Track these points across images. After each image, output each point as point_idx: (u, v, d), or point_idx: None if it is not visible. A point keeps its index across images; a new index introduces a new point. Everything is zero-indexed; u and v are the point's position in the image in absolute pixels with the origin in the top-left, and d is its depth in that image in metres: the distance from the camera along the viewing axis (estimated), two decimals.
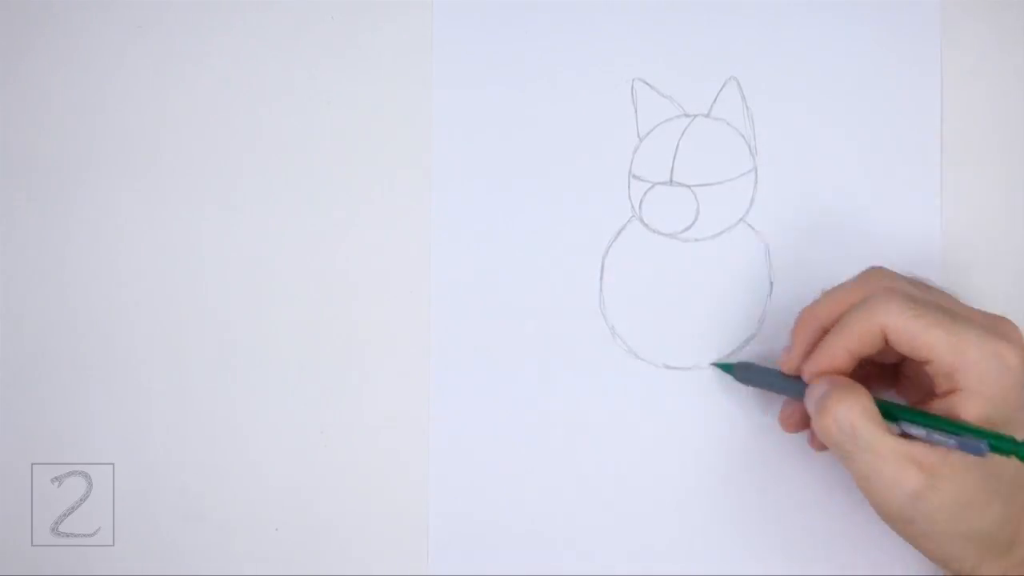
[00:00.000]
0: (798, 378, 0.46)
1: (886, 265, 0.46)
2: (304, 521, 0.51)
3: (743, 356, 0.51)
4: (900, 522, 0.43)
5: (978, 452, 0.40)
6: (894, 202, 0.51)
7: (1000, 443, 0.40)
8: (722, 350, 0.51)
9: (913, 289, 0.44)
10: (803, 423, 0.47)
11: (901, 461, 0.42)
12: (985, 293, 0.50)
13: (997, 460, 0.41)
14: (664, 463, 0.51)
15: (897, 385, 0.48)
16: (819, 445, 0.48)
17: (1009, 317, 0.44)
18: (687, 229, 0.51)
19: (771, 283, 0.51)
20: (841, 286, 0.46)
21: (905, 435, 0.43)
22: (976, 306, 0.45)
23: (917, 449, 0.42)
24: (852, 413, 0.42)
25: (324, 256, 0.51)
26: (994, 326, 0.43)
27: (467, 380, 0.51)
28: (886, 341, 0.43)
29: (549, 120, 0.51)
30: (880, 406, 0.43)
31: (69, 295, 0.52)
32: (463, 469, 0.51)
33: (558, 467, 0.51)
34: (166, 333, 0.51)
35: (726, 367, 0.50)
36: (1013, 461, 0.41)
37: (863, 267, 0.46)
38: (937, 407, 0.43)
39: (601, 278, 0.51)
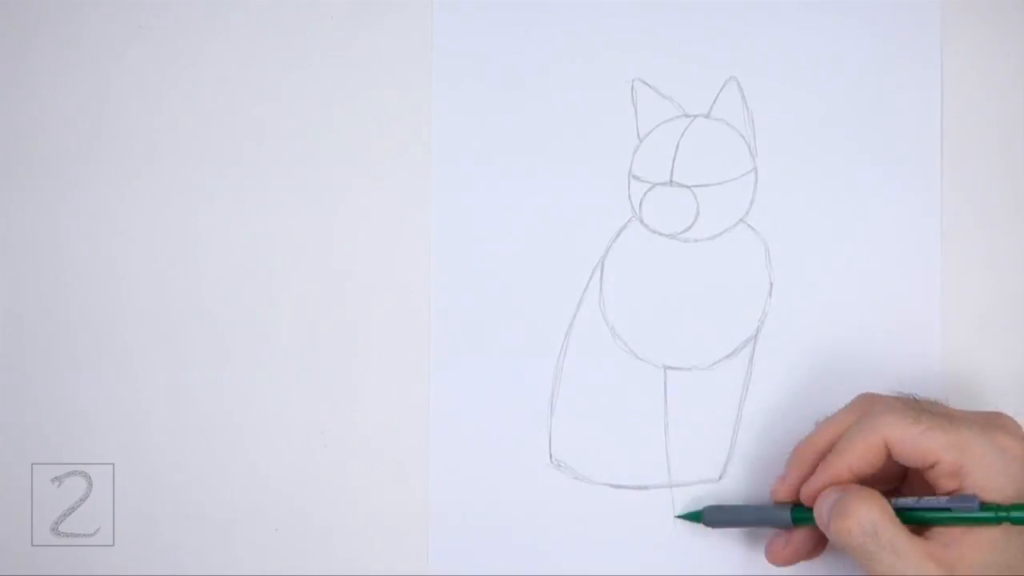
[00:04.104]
0: (785, 506, 0.47)
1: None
2: (304, 521, 0.51)
3: (742, 355, 0.51)
4: None
5: (971, 507, 0.42)
6: (894, 202, 0.51)
7: (990, 509, 0.42)
8: (722, 350, 0.51)
9: (905, 402, 0.45)
10: (798, 552, 0.47)
11: (922, 559, 0.42)
12: (985, 292, 0.50)
13: (1012, 551, 0.42)
14: (664, 463, 0.51)
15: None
16: (785, 560, 0.48)
17: (1006, 408, 0.45)
18: (687, 229, 0.51)
19: (771, 283, 0.51)
20: (834, 415, 0.47)
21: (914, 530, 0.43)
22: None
23: (936, 547, 0.42)
24: (873, 513, 0.43)
25: (324, 256, 0.51)
26: (991, 421, 0.44)
27: (467, 380, 0.51)
28: (887, 456, 0.44)
29: (549, 120, 0.51)
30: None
31: (69, 294, 0.52)
32: (463, 469, 0.51)
33: (558, 467, 0.51)
34: (166, 333, 0.51)
35: (693, 516, 0.49)
36: None
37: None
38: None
39: (601, 278, 0.51)
